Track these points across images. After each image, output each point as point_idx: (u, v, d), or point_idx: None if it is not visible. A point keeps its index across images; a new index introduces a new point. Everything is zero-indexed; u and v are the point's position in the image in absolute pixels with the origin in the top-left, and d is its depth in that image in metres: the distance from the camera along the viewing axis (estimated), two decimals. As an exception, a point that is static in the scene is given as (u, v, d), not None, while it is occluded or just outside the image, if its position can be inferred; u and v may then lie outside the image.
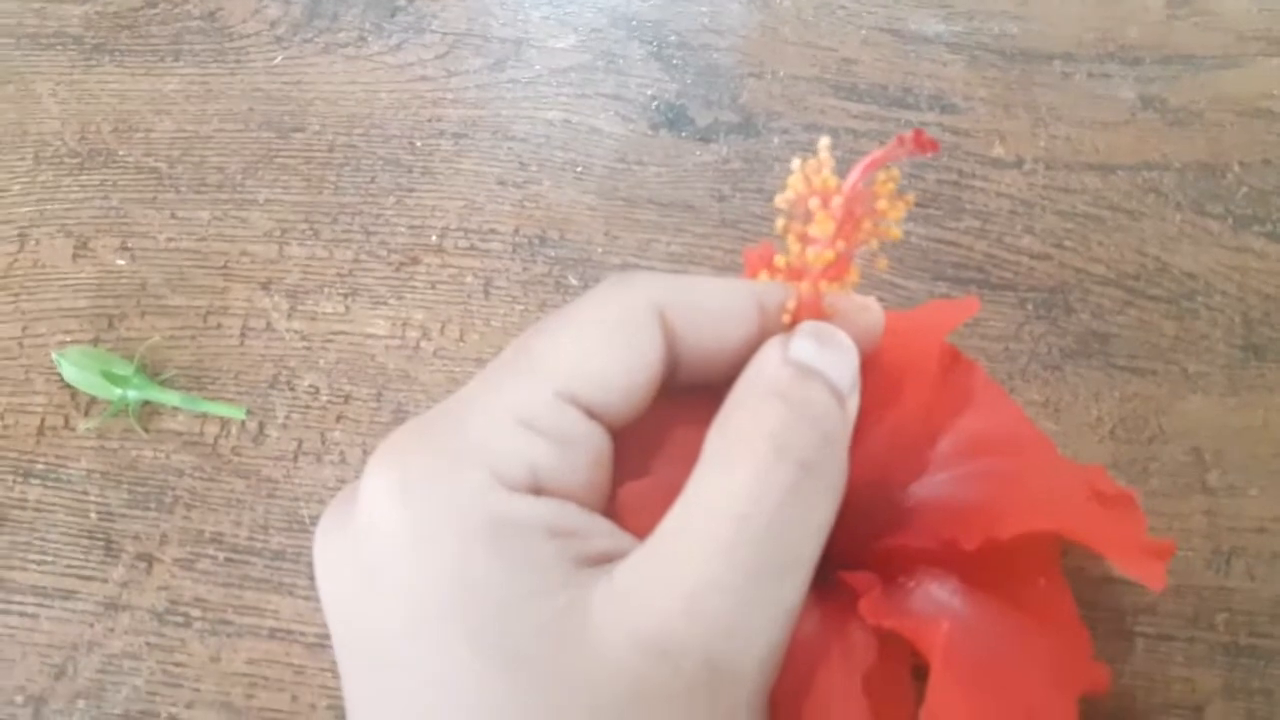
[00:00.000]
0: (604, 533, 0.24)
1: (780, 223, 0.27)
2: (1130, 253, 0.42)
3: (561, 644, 0.22)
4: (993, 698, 0.27)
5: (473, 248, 0.44)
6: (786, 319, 0.27)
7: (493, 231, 0.44)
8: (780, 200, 0.27)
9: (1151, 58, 0.46)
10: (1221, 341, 0.41)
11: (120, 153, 0.47)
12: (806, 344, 0.26)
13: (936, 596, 0.28)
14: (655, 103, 0.46)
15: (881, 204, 0.26)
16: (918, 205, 0.43)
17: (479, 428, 0.24)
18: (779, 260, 0.28)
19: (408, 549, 0.23)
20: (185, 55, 0.49)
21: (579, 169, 0.45)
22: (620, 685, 0.22)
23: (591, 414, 0.25)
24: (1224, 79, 0.45)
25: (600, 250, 0.44)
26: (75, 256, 0.45)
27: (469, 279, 0.43)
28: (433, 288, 0.43)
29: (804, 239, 0.27)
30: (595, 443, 0.25)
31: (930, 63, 0.46)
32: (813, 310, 0.27)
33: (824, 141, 0.27)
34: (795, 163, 0.27)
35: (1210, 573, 0.37)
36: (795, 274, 0.28)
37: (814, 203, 0.26)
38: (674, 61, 0.47)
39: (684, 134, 0.46)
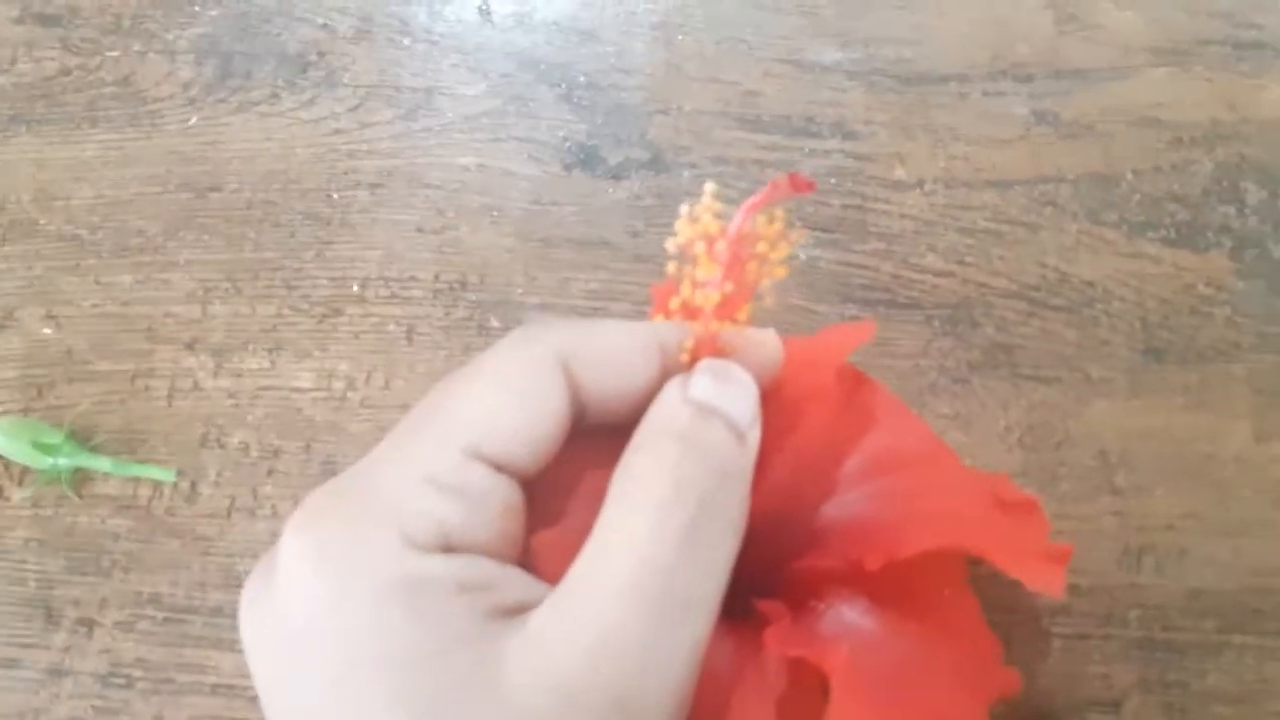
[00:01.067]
0: (517, 583, 0.25)
1: (671, 266, 0.28)
2: (1031, 265, 0.43)
3: (476, 695, 0.23)
4: (899, 713, 0.28)
5: (394, 296, 0.45)
6: (685, 358, 0.28)
7: (413, 279, 0.45)
8: (670, 244, 0.28)
9: (1042, 74, 0.47)
10: (1123, 346, 0.42)
11: (41, 222, 0.47)
12: (704, 382, 0.27)
13: (845, 617, 0.29)
14: (567, 143, 0.47)
15: (763, 246, 0.27)
16: (824, 230, 0.44)
17: (389, 490, 0.25)
18: (674, 302, 0.29)
19: (326, 613, 0.24)
20: (101, 121, 0.49)
21: (495, 212, 0.46)
22: None
23: (499, 467, 0.26)
24: (1113, 91, 0.47)
25: (520, 291, 0.44)
26: (2, 328, 0.45)
27: (391, 327, 0.44)
28: (356, 338, 0.44)
29: (694, 282, 0.28)
30: (503, 495, 0.26)
31: (830, 91, 0.47)
32: (710, 348, 0.28)
33: (709, 187, 0.28)
34: (683, 208, 0.28)
35: (1121, 571, 0.38)
36: (691, 313, 0.29)
37: (699, 247, 0.27)
38: (583, 102, 0.48)
39: (596, 173, 0.47)
